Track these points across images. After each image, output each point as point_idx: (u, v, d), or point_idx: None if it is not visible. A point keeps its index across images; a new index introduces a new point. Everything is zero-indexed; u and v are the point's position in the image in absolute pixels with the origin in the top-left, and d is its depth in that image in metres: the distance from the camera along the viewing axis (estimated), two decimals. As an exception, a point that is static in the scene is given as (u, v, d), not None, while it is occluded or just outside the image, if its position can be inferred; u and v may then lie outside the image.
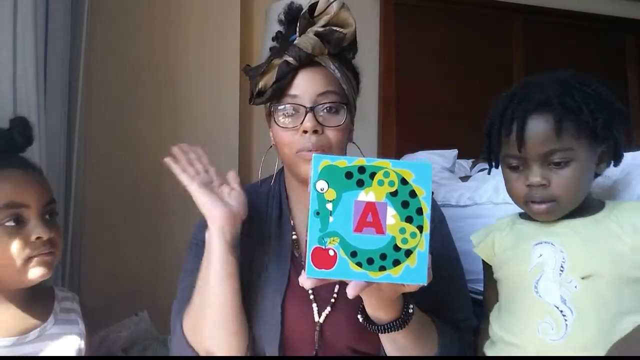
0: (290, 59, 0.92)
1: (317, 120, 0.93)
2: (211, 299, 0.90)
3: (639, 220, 0.85)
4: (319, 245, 0.68)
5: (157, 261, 1.96)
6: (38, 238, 0.90)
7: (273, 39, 1.03)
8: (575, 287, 0.83)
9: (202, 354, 0.92)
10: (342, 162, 0.69)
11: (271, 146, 1.03)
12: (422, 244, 0.69)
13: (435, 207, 1.07)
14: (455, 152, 2.00)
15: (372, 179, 0.69)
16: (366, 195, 0.69)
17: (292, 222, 1.04)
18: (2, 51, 1.19)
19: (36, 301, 0.96)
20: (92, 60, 1.76)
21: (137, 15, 2.07)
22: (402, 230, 0.69)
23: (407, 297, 0.81)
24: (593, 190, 1.10)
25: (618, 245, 0.84)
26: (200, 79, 2.15)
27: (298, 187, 1.03)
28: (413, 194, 0.69)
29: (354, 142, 1.05)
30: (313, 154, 0.69)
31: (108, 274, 1.86)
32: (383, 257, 0.68)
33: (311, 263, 0.68)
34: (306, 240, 0.69)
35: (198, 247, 0.98)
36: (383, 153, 2.58)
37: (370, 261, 0.68)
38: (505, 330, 0.90)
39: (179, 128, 2.10)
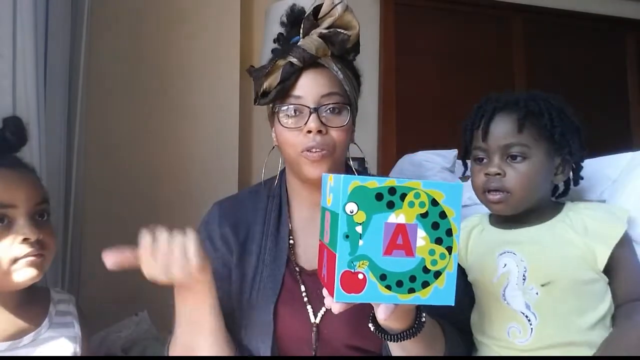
0: (294, 60, 0.93)
1: (320, 121, 0.93)
2: (207, 336, 0.89)
3: (589, 220, 0.94)
4: (348, 269, 0.66)
5: (157, 261, 1.95)
6: (25, 239, 0.87)
7: (274, 41, 1.03)
8: (537, 293, 0.91)
9: None
10: (372, 183, 0.66)
11: (274, 147, 1.03)
12: (450, 265, 0.68)
13: None
14: (455, 152, 1.98)
15: (403, 201, 0.66)
16: (396, 217, 0.66)
17: (290, 225, 1.04)
18: (3, 51, 1.19)
19: (31, 304, 0.94)
20: (92, 60, 1.76)
21: (137, 15, 2.06)
22: (432, 252, 0.67)
23: (420, 307, 0.81)
24: (594, 190, 1.11)
25: (572, 251, 0.92)
26: (200, 79, 2.14)
27: (299, 189, 1.04)
28: (443, 215, 0.68)
29: (355, 143, 1.05)
30: (342, 176, 0.67)
31: (108, 274, 1.84)
32: (412, 279, 0.67)
33: (340, 287, 0.66)
34: (335, 267, 0.67)
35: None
36: (383, 153, 2.58)
37: (399, 284, 0.67)
38: (481, 333, 0.98)
39: (179, 128, 2.10)
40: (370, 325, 0.81)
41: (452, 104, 2.72)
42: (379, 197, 0.66)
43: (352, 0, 0.99)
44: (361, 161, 1.13)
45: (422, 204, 0.67)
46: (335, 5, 0.95)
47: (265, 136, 1.04)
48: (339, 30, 0.96)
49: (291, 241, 1.02)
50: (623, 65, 3.08)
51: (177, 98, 2.10)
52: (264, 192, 1.08)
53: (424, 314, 0.80)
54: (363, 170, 1.12)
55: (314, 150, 0.93)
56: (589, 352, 0.88)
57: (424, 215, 0.67)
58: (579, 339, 0.88)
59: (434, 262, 0.68)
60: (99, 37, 1.90)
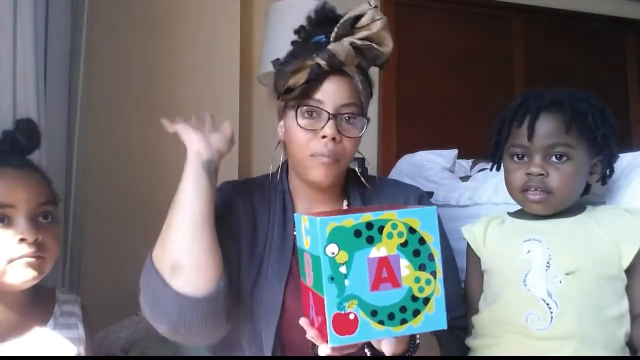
0: (322, 62, 0.93)
1: (337, 128, 0.95)
2: (183, 213, 0.89)
3: (615, 219, 0.96)
4: (338, 311, 0.66)
5: (157, 261, 1.95)
6: (22, 240, 0.86)
7: (295, 32, 1.03)
8: (560, 282, 0.91)
9: (167, 272, 0.88)
10: (349, 221, 0.66)
11: (279, 142, 1.03)
12: (437, 289, 0.68)
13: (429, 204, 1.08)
14: (455, 152, 1.99)
15: (381, 233, 0.67)
16: (378, 251, 0.67)
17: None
18: (2, 51, 1.19)
19: (36, 304, 0.94)
20: (92, 60, 1.76)
21: (137, 15, 2.06)
22: (417, 279, 0.68)
23: None
24: (593, 191, 1.11)
25: (598, 244, 0.93)
26: (200, 80, 2.14)
27: (299, 186, 1.05)
28: (422, 240, 0.68)
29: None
30: (318, 218, 0.66)
31: (108, 274, 1.86)
32: (403, 310, 0.67)
33: (333, 331, 0.66)
34: (325, 311, 0.66)
35: None
36: (383, 153, 2.58)
37: (391, 316, 0.67)
38: (495, 320, 0.96)
39: (179, 128, 2.09)
40: (366, 350, 0.80)
41: (453, 103, 2.72)
42: (358, 234, 0.66)
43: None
44: (361, 161, 1.13)
45: (400, 234, 0.67)
46: (376, 20, 0.96)
47: (265, 135, 1.05)
48: (374, 46, 0.96)
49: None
50: (623, 65, 3.08)
51: (177, 98, 2.10)
52: (267, 184, 1.09)
53: (417, 335, 0.81)
54: (363, 171, 1.12)
55: (324, 155, 0.94)
56: (601, 352, 0.87)
57: (404, 245, 0.67)
58: (595, 335, 0.88)
59: (421, 289, 0.68)
60: (99, 37, 1.90)
